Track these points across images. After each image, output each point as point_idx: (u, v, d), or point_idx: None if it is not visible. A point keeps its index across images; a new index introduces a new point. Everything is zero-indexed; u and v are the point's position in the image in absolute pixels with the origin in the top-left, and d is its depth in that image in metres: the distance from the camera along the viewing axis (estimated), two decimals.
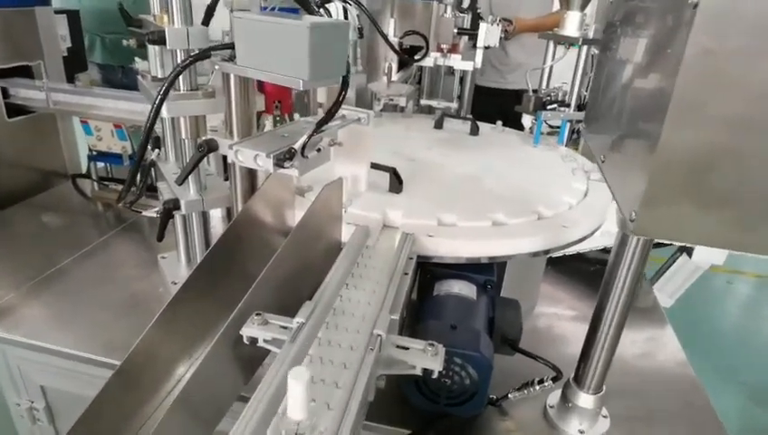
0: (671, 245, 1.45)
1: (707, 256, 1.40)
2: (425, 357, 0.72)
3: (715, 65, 0.48)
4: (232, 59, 0.86)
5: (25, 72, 1.72)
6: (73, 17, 1.90)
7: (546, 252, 1.09)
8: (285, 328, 0.74)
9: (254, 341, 0.75)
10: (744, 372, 3.00)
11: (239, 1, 0.95)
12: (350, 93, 1.92)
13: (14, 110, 1.69)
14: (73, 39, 1.89)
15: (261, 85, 1.12)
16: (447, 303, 0.97)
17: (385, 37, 1.67)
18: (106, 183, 1.72)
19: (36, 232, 1.59)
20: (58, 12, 1.82)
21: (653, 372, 1.21)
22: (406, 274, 0.94)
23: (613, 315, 0.87)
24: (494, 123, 1.88)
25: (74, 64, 1.89)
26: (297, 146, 0.79)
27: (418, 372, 0.73)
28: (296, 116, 1.37)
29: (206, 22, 0.95)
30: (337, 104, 0.82)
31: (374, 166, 1.18)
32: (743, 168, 0.52)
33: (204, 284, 0.89)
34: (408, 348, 0.74)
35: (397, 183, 1.19)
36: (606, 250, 1.66)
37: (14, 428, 1.26)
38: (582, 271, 1.56)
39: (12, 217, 1.65)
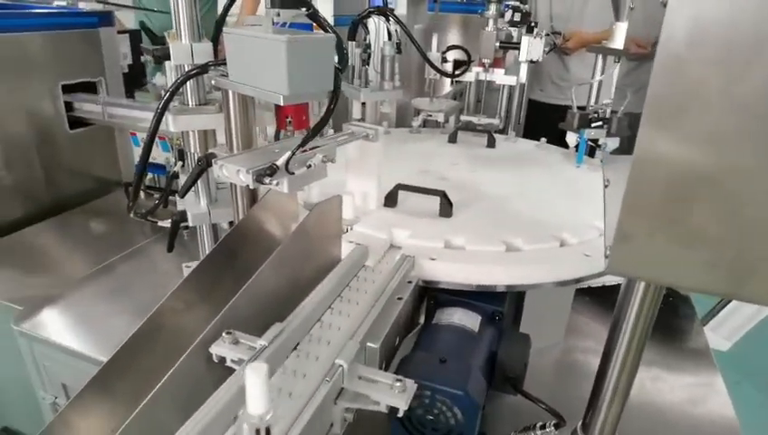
0: None
1: None
2: (391, 393, 0.67)
3: (689, 73, 0.41)
4: None
5: (90, 88, 1.86)
6: (135, 37, 2.04)
7: (564, 283, 1.00)
8: (255, 349, 0.72)
9: (223, 359, 0.74)
10: None
11: (249, 18, 0.97)
12: (389, 109, 1.91)
13: (77, 122, 1.83)
14: (134, 57, 2.03)
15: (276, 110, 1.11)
16: (443, 333, 0.91)
17: (421, 51, 1.65)
18: (151, 192, 1.81)
19: (86, 234, 1.70)
20: (121, 32, 1.96)
21: (689, 423, 1.06)
22: (400, 298, 0.90)
23: (623, 363, 0.77)
24: (559, 141, 1.77)
25: (134, 80, 2.02)
26: (280, 162, 0.78)
27: (383, 409, 0.67)
28: (330, 131, 1.37)
29: (215, 37, 0.97)
30: (323, 120, 0.80)
31: (422, 190, 1.17)
32: (730, 198, 0.43)
33: (198, 290, 0.89)
34: (375, 381, 0.69)
35: (447, 207, 1.15)
36: None
37: (43, 418, 1.33)
38: None
39: (69, 219, 1.78)
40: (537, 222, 1.14)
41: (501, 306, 0.97)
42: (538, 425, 0.87)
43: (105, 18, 1.85)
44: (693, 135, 0.42)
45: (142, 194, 1.83)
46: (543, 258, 1.01)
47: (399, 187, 1.17)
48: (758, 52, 0.40)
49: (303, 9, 0.90)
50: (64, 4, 1.93)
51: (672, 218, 0.45)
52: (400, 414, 0.67)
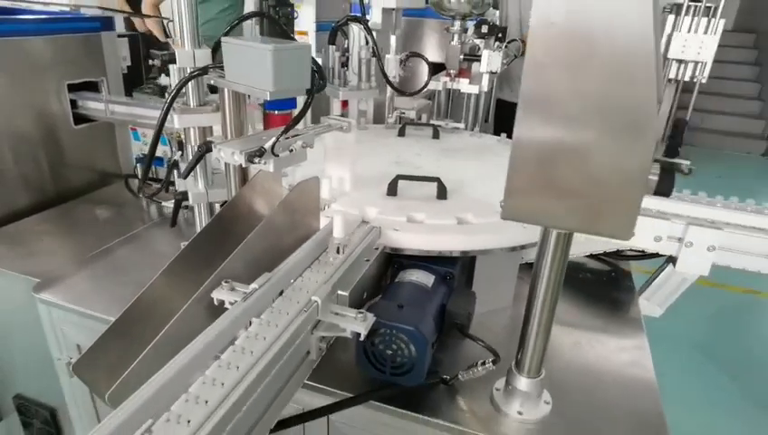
0: (660, 256, 1.49)
1: (690, 266, 1.42)
2: (355, 323, 0.86)
3: (546, 74, 0.60)
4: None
5: (92, 87, 2.03)
6: (134, 41, 2.21)
7: (513, 249, 1.20)
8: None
9: (222, 302, 0.92)
10: None
11: None
12: (368, 106, 2.09)
13: (81, 118, 2.00)
14: (133, 59, 2.20)
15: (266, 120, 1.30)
16: (403, 287, 1.10)
17: (380, 64, 1.81)
18: (150, 182, 1.98)
19: (89, 221, 1.87)
20: (121, 36, 2.13)
21: (615, 377, 1.24)
22: (367, 260, 1.09)
23: (542, 304, 0.96)
24: None
25: (133, 80, 2.19)
26: (267, 145, 0.96)
27: (348, 334, 0.87)
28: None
29: (215, 49, 1.15)
30: (303, 111, 0.98)
31: (418, 178, 1.36)
32: (581, 161, 0.62)
33: (193, 260, 1.07)
34: (344, 315, 0.88)
35: (443, 191, 1.35)
36: (592, 255, 1.72)
37: (58, 379, 1.50)
38: (572, 277, 1.63)
39: (72, 208, 1.95)
40: (488, 200, 1.33)
41: (452, 268, 1.17)
42: (479, 362, 1.07)
43: (106, 23, 2.02)
44: (552, 117, 0.62)
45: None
46: (490, 229, 1.21)
47: (399, 177, 1.36)
48: (590, 56, 0.60)
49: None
50: (67, 9, 2.09)
51: (543, 177, 0.65)
52: (362, 338, 0.86)
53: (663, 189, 1.27)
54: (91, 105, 1.96)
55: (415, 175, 1.38)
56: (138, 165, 1.97)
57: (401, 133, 1.91)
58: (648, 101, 0.57)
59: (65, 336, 1.39)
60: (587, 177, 0.63)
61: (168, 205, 1.31)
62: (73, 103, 1.97)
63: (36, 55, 1.85)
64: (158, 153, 1.91)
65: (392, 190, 1.35)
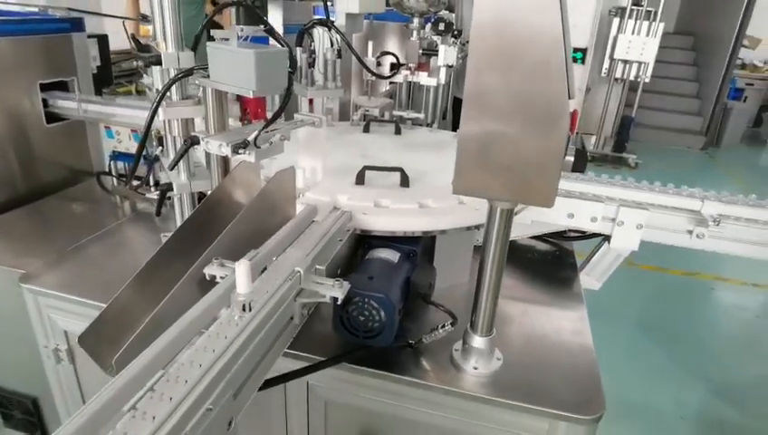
0: (599, 236, 1.69)
1: (623, 243, 1.63)
2: (332, 289, 1.00)
3: (482, 76, 0.76)
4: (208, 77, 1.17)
5: (62, 86, 2.08)
6: (102, 41, 2.26)
7: (467, 229, 1.36)
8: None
9: (213, 277, 1.04)
10: (712, 370, 3.17)
11: (221, 32, 1.27)
12: (333, 105, 2.23)
13: (52, 117, 2.04)
14: (102, 59, 2.25)
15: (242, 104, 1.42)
16: (372, 263, 1.25)
17: (358, 57, 1.98)
18: (124, 179, 2.05)
19: (65, 217, 1.92)
20: (90, 36, 2.19)
21: (556, 340, 1.39)
22: (340, 240, 1.23)
23: (491, 271, 1.13)
24: None
25: (102, 80, 2.24)
26: (250, 138, 1.09)
27: (327, 300, 1.00)
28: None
29: (194, 47, 1.26)
30: (281, 108, 1.11)
31: (383, 168, 1.50)
32: (512, 146, 0.78)
33: (178, 248, 1.18)
34: (323, 283, 1.02)
35: (405, 180, 1.49)
36: (539, 238, 1.91)
37: (43, 367, 1.57)
38: (521, 257, 1.81)
39: (46, 205, 1.99)
40: (446, 187, 1.49)
41: (415, 247, 1.32)
42: (440, 325, 1.22)
43: (76, 24, 2.07)
44: (488, 111, 0.78)
45: (115, 180, 2.07)
46: (448, 212, 1.37)
47: (366, 168, 1.50)
48: (515, 61, 0.76)
49: (262, 26, 1.23)
50: (36, 10, 2.13)
51: (483, 159, 0.80)
52: (339, 301, 1.00)
53: (578, 168, 1.49)
54: (64, 104, 2.01)
55: (380, 166, 1.52)
56: (111, 162, 2.03)
57: (366, 130, 2.06)
58: (561, 96, 0.74)
59: (53, 324, 1.46)
60: (516, 158, 0.79)
61: (153, 196, 1.40)
62: (45, 102, 2.01)
63: (7, 56, 1.89)
64: (134, 150, 1.98)
65: (360, 180, 1.49)
